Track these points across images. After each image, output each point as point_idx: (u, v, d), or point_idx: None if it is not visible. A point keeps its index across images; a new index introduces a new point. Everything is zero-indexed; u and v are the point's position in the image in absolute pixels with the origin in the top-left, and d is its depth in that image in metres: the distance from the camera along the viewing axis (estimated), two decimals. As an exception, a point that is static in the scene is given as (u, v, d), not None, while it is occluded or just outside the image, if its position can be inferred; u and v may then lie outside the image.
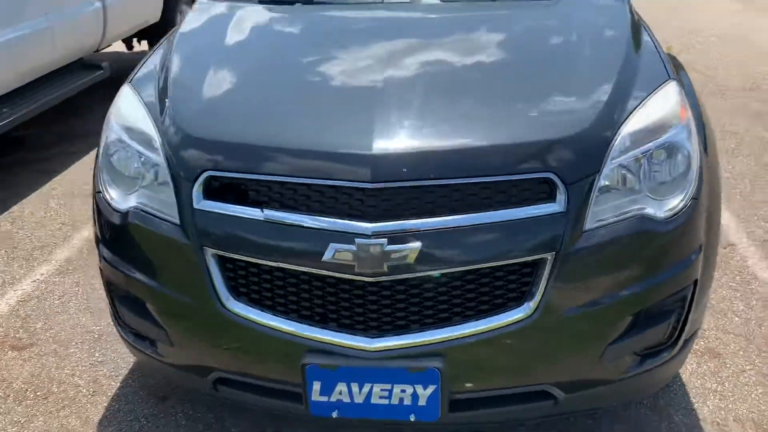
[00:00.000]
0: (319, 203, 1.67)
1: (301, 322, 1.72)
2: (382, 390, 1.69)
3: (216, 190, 1.75)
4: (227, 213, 1.72)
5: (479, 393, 1.75)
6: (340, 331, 1.70)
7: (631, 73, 1.94)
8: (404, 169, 1.63)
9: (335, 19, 2.46)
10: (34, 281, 3.14)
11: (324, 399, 1.72)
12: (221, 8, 2.56)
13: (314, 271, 1.66)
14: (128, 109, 2.00)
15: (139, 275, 1.87)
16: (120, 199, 1.92)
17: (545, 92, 1.87)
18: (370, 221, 1.62)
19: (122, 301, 1.97)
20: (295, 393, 1.77)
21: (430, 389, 1.68)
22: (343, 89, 1.93)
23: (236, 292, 1.75)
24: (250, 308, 1.74)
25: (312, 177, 1.67)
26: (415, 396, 1.69)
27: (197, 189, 1.75)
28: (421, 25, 2.35)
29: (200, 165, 1.75)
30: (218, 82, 2.02)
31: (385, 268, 1.62)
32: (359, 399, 1.71)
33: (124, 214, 1.87)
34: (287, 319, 1.73)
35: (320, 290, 1.69)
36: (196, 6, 2.61)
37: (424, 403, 1.70)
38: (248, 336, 1.75)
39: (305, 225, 1.65)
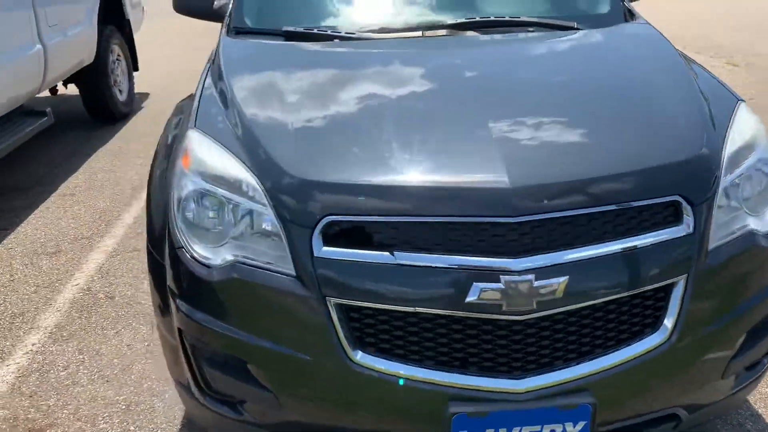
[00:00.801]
0: (455, 242, 1.59)
1: (440, 370, 1.62)
2: (530, 432, 1.63)
3: (337, 236, 1.63)
4: (353, 259, 1.60)
5: (621, 422, 1.72)
6: (484, 375, 1.62)
7: (707, 95, 2.01)
8: (544, 201, 1.59)
9: (393, 54, 2.38)
10: (27, 353, 2.81)
11: (469, 449, 1.63)
12: (260, 46, 2.45)
13: (454, 313, 1.58)
14: (208, 155, 1.83)
15: (241, 334, 1.70)
16: (209, 253, 1.75)
17: (643, 118, 1.89)
18: (515, 257, 1.56)
19: (212, 363, 1.79)
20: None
21: (580, 425, 1.63)
22: (447, 123, 1.86)
23: (363, 344, 1.64)
24: (379, 359, 1.62)
25: (446, 215, 1.59)
26: (563, 434, 1.64)
27: (317, 236, 1.62)
28: (477, 58, 2.33)
29: (320, 210, 1.63)
30: (310, 123, 1.89)
31: (534, 305, 1.56)
32: (507, 444, 1.64)
33: (221, 269, 1.71)
34: (423, 367, 1.63)
35: (459, 333, 1.61)
36: (227, 45, 2.46)
37: (572, 440, 1.65)
38: (379, 389, 1.63)
39: (443, 266, 1.57)
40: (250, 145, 1.82)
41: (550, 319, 1.61)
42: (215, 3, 2.86)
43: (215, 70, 2.30)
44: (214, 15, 2.88)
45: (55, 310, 3.11)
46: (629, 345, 1.66)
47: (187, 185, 1.82)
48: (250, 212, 1.71)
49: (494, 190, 1.59)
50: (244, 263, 1.70)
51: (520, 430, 1.62)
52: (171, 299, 1.85)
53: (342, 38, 2.42)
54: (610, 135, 1.83)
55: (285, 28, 2.51)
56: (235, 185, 1.75)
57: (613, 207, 1.63)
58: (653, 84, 2.07)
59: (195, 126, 1.95)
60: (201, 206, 1.79)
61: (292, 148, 1.79)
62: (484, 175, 1.63)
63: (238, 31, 2.59)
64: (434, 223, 1.59)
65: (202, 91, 2.18)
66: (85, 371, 2.67)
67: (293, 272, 1.64)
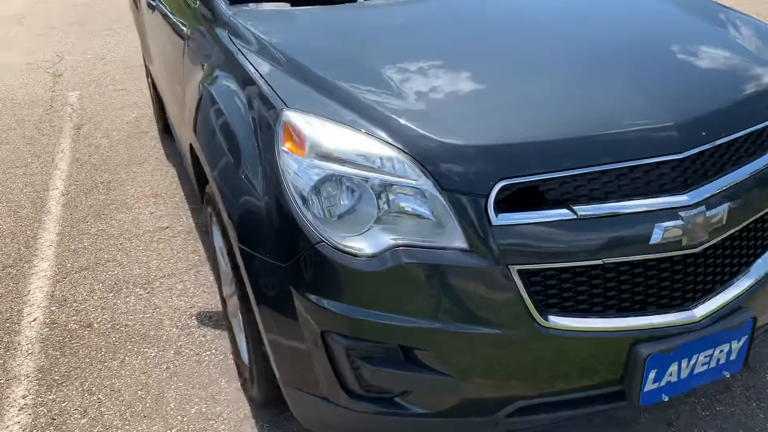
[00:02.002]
0: (629, 187, 1.58)
1: (624, 316, 1.62)
2: (704, 357, 1.69)
3: (509, 200, 1.55)
4: (532, 221, 1.54)
5: (764, 328, 1.86)
6: (664, 312, 1.65)
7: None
8: (702, 132, 1.63)
9: (447, 7, 2.28)
10: (23, 408, 2.35)
11: (655, 386, 1.66)
12: (288, 13, 2.25)
13: (637, 258, 1.59)
14: (327, 135, 1.63)
15: (415, 322, 1.57)
16: (359, 242, 1.58)
17: (726, 54, 2.00)
18: (687, 191, 1.59)
19: (371, 360, 1.63)
20: (616, 393, 1.68)
21: (743, 340, 1.73)
22: (566, 69, 1.82)
23: (548, 305, 1.59)
24: (566, 318, 1.59)
25: (617, 161, 1.57)
26: (729, 352, 1.73)
27: (492, 203, 1.53)
28: (530, 7, 2.31)
29: (493, 175, 1.53)
30: (423, 84, 1.75)
31: (707, 235, 1.61)
32: (685, 374, 1.69)
33: (381, 257, 1.55)
34: (608, 316, 1.62)
35: (641, 276, 1.62)
36: (244, 16, 2.18)
37: (734, 357, 1.74)
38: (569, 347, 1.60)
39: (623, 212, 1.56)
40: (373, 116, 1.65)
41: (715, 245, 1.68)
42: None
43: (251, 44, 2.04)
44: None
45: (26, 354, 2.64)
46: None
47: (311, 173, 1.62)
48: (400, 189, 1.57)
49: (659, 129, 1.61)
50: (407, 246, 1.56)
51: (698, 357, 1.69)
52: (300, 302, 1.65)
53: (362, -2, 2.27)
54: (717, 67, 1.91)
55: (290, -8, 2.30)
56: (373, 162, 1.59)
57: (753, 129, 1.72)
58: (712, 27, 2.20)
59: (289, 106, 1.73)
60: (334, 193, 1.61)
61: (424, 112, 1.66)
62: (642, 116, 1.63)
63: (234, 1, 2.32)
64: (606, 171, 1.57)
65: (252, 70, 1.92)
66: (111, 412, 2.31)
67: (466, 246, 1.54)
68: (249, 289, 1.79)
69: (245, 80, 1.94)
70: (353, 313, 1.60)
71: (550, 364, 1.63)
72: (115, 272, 3.12)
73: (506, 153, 1.56)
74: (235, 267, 1.94)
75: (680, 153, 1.59)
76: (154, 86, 4.43)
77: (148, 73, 4.53)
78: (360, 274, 1.58)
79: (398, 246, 1.56)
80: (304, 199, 1.62)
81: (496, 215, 1.53)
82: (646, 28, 2.18)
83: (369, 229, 1.59)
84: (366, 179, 1.58)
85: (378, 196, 1.58)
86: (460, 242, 1.54)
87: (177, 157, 4.32)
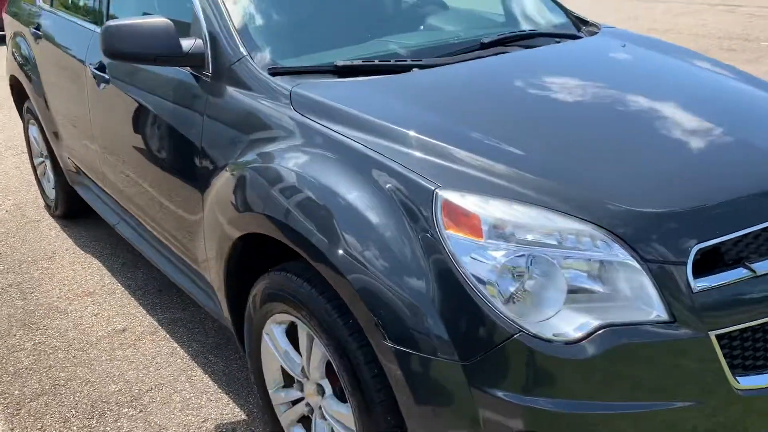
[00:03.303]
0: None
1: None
2: None
3: (703, 263, 1.51)
4: (729, 282, 1.51)
5: None
6: None
7: None
8: None
9: (520, 71, 2.22)
10: None
11: None
12: (353, 84, 2.07)
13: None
14: (504, 213, 1.49)
15: (621, 407, 1.45)
16: (555, 328, 1.44)
17: None
18: None
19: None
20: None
21: None
22: (705, 132, 1.84)
23: (743, 368, 1.55)
24: (759, 377, 1.56)
25: None
26: None
27: (689, 269, 1.47)
28: (594, 68, 2.34)
29: (689, 240, 1.48)
30: (577, 152, 1.67)
31: None
32: None
33: (588, 343, 1.42)
34: None
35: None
36: (312, 88, 1.95)
37: None
38: (763, 406, 1.57)
39: None
40: (542, 188, 1.55)
41: None
42: (187, 43, 2.21)
43: (340, 119, 1.83)
44: (175, 59, 2.23)
45: None
46: None
47: (494, 257, 1.46)
48: (594, 264, 1.47)
49: None
50: (611, 325, 1.45)
51: None
52: (488, 401, 1.46)
53: (420, 66, 2.13)
54: None
55: (338, 63, 2.11)
56: (559, 237, 1.48)
57: None
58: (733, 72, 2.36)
59: (442, 186, 1.55)
60: (522, 275, 1.46)
61: (601, 181, 1.58)
62: None
63: (274, 72, 2.08)
64: None
65: (364, 148, 1.71)
66: None
67: (668, 317, 1.47)
68: (404, 391, 1.56)
69: (351, 159, 1.73)
70: (556, 407, 1.45)
71: (748, 427, 1.59)
72: (85, 392, 2.60)
73: (700, 217, 1.53)
74: (353, 372, 1.69)
75: None
76: (55, 168, 3.86)
77: (51, 155, 3.91)
78: (566, 362, 1.44)
79: (603, 327, 1.45)
80: (487, 286, 1.46)
81: (695, 281, 1.49)
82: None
83: (559, 311, 1.47)
84: (555, 257, 1.46)
85: (570, 274, 1.47)
86: (663, 314, 1.47)
87: (94, 246, 3.78)
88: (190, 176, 2.29)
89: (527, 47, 2.41)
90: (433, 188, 1.56)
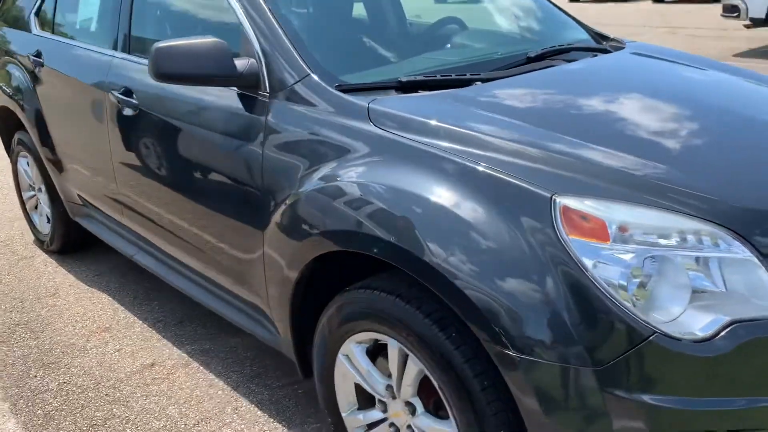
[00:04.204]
0: None
1: None
2: None
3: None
4: None
5: None
6: None
7: None
8: None
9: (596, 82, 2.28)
10: None
11: None
12: (424, 98, 2.06)
13: None
14: (628, 216, 1.51)
15: (751, 402, 1.47)
16: (687, 326, 1.45)
17: None
18: None
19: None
20: None
21: None
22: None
23: None
24: None
25: None
26: None
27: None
28: (668, 81, 2.38)
29: None
30: (686, 152, 1.74)
31: None
32: None
33: (720, 340, 1.44)
34: None
35: None
36: (388, 103, 1.93)
37: None
38: None
39: None
40: (656, 190, 1.58)
41: None
42: (241, 63, 2.17)
43: (428, 132, 1.82)
44: (230, 79, 2.18)
45: None
46: None
47: (622, 259, 1.47)
48: (718, 262, 1.50)
49: None
50: (739, 321, 1.47)
51: None
52: (622, 405, 1.46)
53: (482, 80, 2.15)
54: None
55: (402, 78, 2.11)
56: (684, 238, 1.50)
57: None
58: None
59: (559, 192, 1.56)
60: (650, 277, 1.48)
61: (716, 181, 1.63)
62: None
63: (342, 89, 2.06)
64: None
65: (463, 161, 1.71)
66: None
67: None
68: (530, 402, 1.54)
69: (447, 170, 1.71)
70: (691, 405, 1.47)
71: None
72: (125, 431, 2.47)
73: None
74: (460, 386, 1.67)
75: None
76: (53, 201, 3.70)
77: (49, 187, 3.74)
78: (701, 360, 1.45)
79: (732, 323, 1.47)
80: (618, 289, 1.46)
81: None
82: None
83: (685, 310, 1.48)
84: (678, 257, 1.49)
85: (695, 272, 1.49)
86: None
87: (98, 280, 3.63)
88: (248, 208, 2.23)
89: (568, 60, 2.46)
90: (549, 195, 1.56)
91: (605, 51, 2.66)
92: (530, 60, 2.38)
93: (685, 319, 1.47)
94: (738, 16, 8.90)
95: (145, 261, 3.05)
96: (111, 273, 3.72)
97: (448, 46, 2.79)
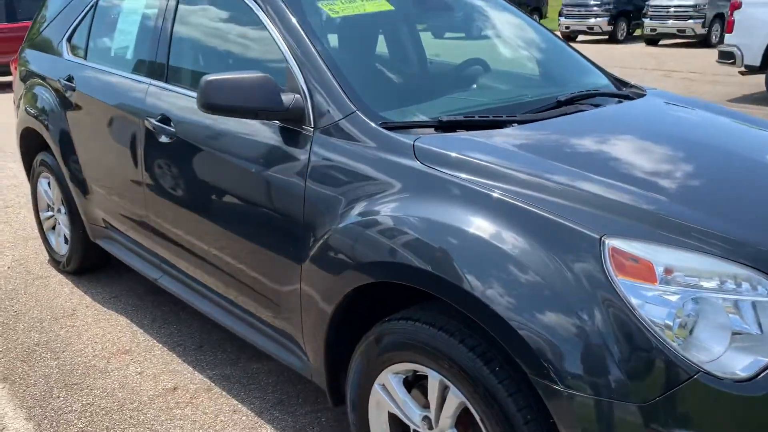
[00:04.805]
0: None
1: None
2: None
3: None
4: None
5: None
6: None
7: None
8: None
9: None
10: None
11: None
12: (464, 140, 2.13)
13: None
14: (673, 259, 1.60)
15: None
16: (729, 367, 1.53)
17: None
18: None
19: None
20: None
21: None
22: None
23: None
24: None
25: None
26: None
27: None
28: (682, 126, 2.50)
29: None
30: (723, 197, 1.83)
31: None
32: None
33: (762, 380, 1.52)
34: None
35: None
36: (436, 142, 2.01)
37: None
38: None
39: None
40: (692, 233, 1.67)
41: None
42: (288, 98, 2.25)
43: (471, 170, 1.91)
44: (277, 113, 2.26)
45: None
46: None
47: (669, 300, 1.55)
48: (756, 305, 1.58)
49: None
50: (775, 361, 1.55)
51: None
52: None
53: (519, 122, 2.24)
54: None
55: (443, 118, 2.20)
56: (726, 281, 1.59)
57: None
58: None
59: (608, 234, 1.64)
60: (694, 318, 1.56)
61: (738, 222, 1.73)
62: None
63: (388, 126, 2.14)
64: None
65: (512, 201, 1.79)
66: None
67: None
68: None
69: (493, 208, 1.79)
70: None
71: None
72: (153, 454, 2.49)
73: None
74: (503, 420, 1.72)
75: None
76: (73, 223, 3.73)
77: (70, 209, 3.79)
78: (742, 399, 1.52)
79: (769, 363, 1.55)
80: (664, 329, 1.54)
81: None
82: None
83: (726, 350, 1.56)
84: (722, 299, 1.56)
85: (734, 315, 1.57)
86: None
87: (115, 302, 3.66)
88: (287, 241, 2.29)
89: (595, 105, 2.57)
90: (598, 236, 1.64)
91: (628, 97, 2.77)
92: (560, 104, 2.48)
93: (726, 359, 1.55)
94: (734, 63, 9.15)
95: (170, 285, 3.09)
96: (127, 295, 3.75)
97: (474, 86, 2.89)
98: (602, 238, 1.64)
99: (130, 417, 2.70)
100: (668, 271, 1.59)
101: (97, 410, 2.75)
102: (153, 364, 3.07)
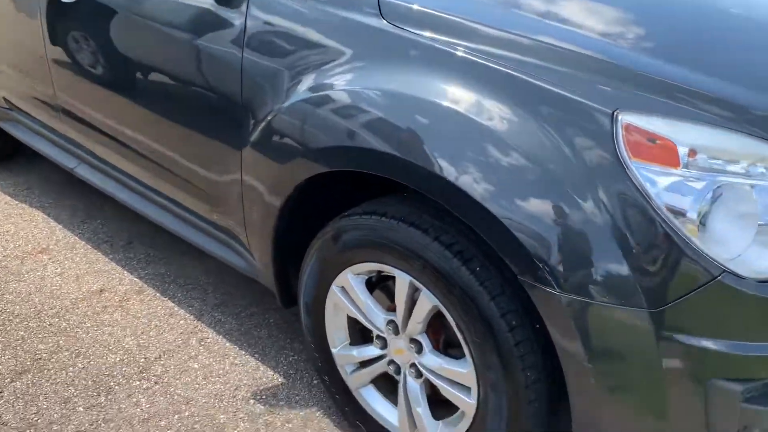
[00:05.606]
0: None
1: None
2: None
3: None
4: None
5: None
6: None
7: None
8: None
9: None
10: None
11: None
12: None
13: None
14: (701, 138, 1.31)
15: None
16: (756, 265, 1.30)
17: None
18: None
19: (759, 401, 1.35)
20: None
21: None
22: None
23: None
24: None
25: None
26: None
27: None
28: None
29: None
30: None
31: None
32: None
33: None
34: None
35: None
36: None
37: None
38: None
39: None
40: (720, 107, 1.37)
41: None
42: None
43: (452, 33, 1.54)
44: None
45: None
46: None
47: (697, 188, 1.29)
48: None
49: None
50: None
51: None
52: (683, 350, 1.31)
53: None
54: None
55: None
56: (743, 164, 1.32)
57: None
58: None
59: (621, 108, 1.33)
60: (722, 209, 1.30)
61: None
62: None
63: None
64: None
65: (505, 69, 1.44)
66: None
67: None
68: (572, 346, 1.37)
69: (479, 77, 1.46)
70: (745, 350, 1.33)
71: None
72: (79, 366, 2.18)
73: None
74: (485, 326, 1.49)
75: None
76: None
77: None
78: (764, 301, 1.31)
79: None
80: (686, 223, 1.28)
81: None
82: None
83: (750, 245, 1.33)
84: (747, 187, 1.31)
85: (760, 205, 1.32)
86: None
87: (27, 194, 3.23)
88: (223, 123, 1.93)
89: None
90: (610, 110, 1.34)
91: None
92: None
93: (750, 255, 1.32)
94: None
95: (89, 175, 2.69)
96: (42, 186, 3.31)
97: None
98: (615, 113, 1.34)
99: (50, 324, 2.38)
100: (692, 152, 1.31)
101: (10, 317, 2.41)
102: (75, 264, 2.72)
